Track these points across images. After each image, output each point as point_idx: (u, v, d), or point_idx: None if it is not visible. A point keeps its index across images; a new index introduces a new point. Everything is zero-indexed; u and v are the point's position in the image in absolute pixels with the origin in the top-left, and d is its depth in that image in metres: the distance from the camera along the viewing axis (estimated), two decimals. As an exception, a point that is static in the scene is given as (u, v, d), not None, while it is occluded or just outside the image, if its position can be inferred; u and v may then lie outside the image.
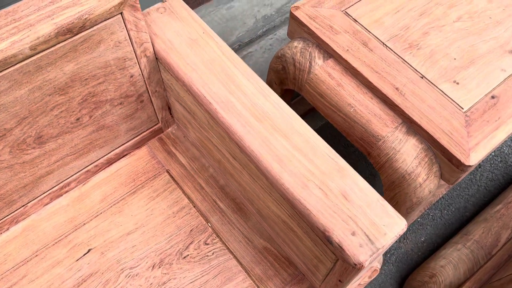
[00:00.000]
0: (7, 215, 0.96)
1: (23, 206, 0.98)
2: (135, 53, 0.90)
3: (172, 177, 1.07)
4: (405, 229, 0.73)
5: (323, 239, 0.73)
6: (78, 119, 0.91)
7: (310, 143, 0.80)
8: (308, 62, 1.05)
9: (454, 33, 1.04)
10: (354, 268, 0.71)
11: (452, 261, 1.06)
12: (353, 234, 0.71)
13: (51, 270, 0.95)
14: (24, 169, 0.90)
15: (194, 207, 1.03)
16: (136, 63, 0.91)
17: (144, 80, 0.96)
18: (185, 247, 0.98)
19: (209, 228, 1.01)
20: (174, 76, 0.90)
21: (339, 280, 0.79)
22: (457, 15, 1.08)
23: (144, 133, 1.09)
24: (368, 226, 0.72)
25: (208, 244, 0.99)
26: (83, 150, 0.99)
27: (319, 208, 0.73)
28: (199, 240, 0.99)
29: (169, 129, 1.14)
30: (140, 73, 0.94)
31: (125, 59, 0.89)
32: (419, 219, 1.42)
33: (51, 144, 0.91)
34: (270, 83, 1.22)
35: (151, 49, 0.92)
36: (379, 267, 0.98)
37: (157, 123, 1.10)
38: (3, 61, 0.72)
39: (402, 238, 1.42)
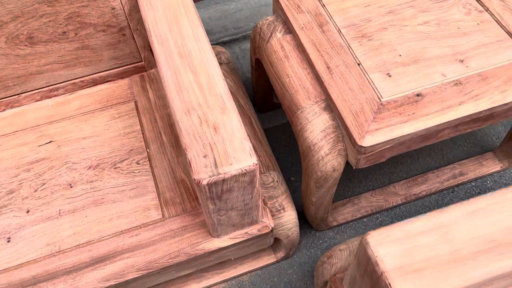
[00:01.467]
0: (3, 98, 1.22)
1: (17, 95, 1.22)
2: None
3: (136, 106, 1.24)
4: (253, 168, 0.80)
5: (186, 157, 0.83)
6: (64, 32, 1.13)
7: (212, 84, 0.90)
8: (270, 33, 1.15)
9: (412, 34, 1.06)
10: (197, 185, 0.80)
11: (350, 247, 1.07)
12: (205, 156, 0.80)
13: (18, 147, 1.17)
14: (17, 61, 1.14)
15: (142, 134, 1.19)
16: (118, -2, 1.10)
17: (126, 16, 1.15)
18: (120, 160, 1.14)
19: (146, 152, 1.16)
20: (141, 14, 1.07)
21: (213, 199, 0.88)
22: (425, 19, 1.08)
23: (127, 66, 1.28)
24: (220, 154, 0.81)
25: (139, 164, 1.14)
26: (70, 63, 1.20)
27: (188, 131, 0.84)
28: (133, 159, 1.15)
29: (152, 70, 1.31)
30: (122, 8, 1.13)
31: (110, -8, 1.08)
32: (365, 220, 1.39)
33: (41, 47, 1.13)
34: (251, 53, 1.33)
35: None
36: (272, 226, 1.04)
37: (141, 61, 1.28)
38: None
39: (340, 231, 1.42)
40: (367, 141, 0.91)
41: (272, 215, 1.10)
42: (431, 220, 0.73)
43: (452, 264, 0.68)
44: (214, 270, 1.24)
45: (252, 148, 0.82)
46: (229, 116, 0.85)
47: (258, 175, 0.84)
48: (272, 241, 1.12)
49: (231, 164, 0.79)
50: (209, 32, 1.72)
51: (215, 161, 0.80)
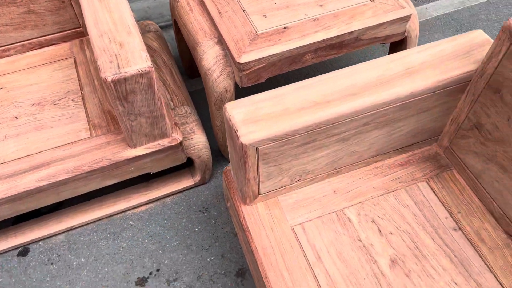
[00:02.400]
0: (-38, 56, 1.44)
1: (-26, 53, 1.45)
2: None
3: (75, 61, 1.48)
4: (148, 70, 1.04)
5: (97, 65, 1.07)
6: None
7: (122, 18, 1.15)
8: (180, -4, 1.42)
9: (287, -10, 1.35)
10: (105, 83, 1.03)
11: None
12: (111, 62, 1.05)
13: (-27, 94, 1.39)
14: (-27, 21, 1.38)
15: (78, 80, 1.42)
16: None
17: (63, -15, 1.41)
18: (58, 99, 1.37)
19: (80, 93, 1.39)
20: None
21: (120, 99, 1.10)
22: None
23: (69, 31, 1.52)
24: (123, 60, 1.05)
25: (74, 101, 1.37)
26: (18, 26, 1.44)
27: (99, 47, 1.08)
28: (69, 98, 1.37)
29: (90, 36, 1.56)
30: (59, -23, 1.39)
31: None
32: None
33: None
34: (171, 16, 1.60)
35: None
36: (180, 139, 1.27)
37: (79, 27, 1.53)
38: None
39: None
40: (243, 58, 1.16)
41: (185, 137, 1.33)
42: (270, 93, 0.98)
43: (282, 116, 0.93)
44: (141, 192, 1.45)
45: (148, 57, 1.07)
46: (132, 37, 1.10)
47: (154, 79, 1.08)
48: (185, 158, 1.34)
49: (130, 66, 1.04)
50: (147, 19, 1.99)
51: (118, 65, 1.04)
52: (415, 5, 2.08)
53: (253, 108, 0.95)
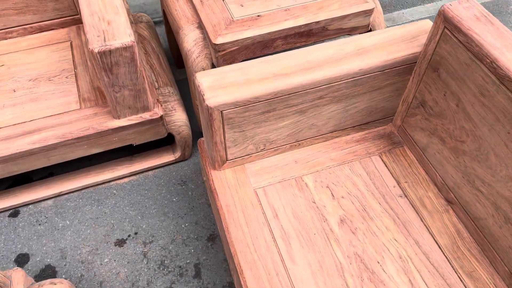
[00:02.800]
0: (-32, 35, 1.57)
1: (-21, 34, 1.58)
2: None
3: (71, 45, 1.61)
4: (131, 44, 1.16)
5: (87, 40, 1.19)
6: None
7: (112, 1, 1.28)
8: (168, -12, 1.55)
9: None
10: (92, 54, 1.16)
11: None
12: (98, 36, 1.17)
13: (-23, 69, 1.52)
14: (-20, 4, 1.51)
15: (73, 61, 1.55)
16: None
17: (63, -26, 1.54)
18: (53, 76, 1.49)
19: (74, 72, 1.51)
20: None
21: (106, 70, 1.23)
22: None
23: (67, 18, 1.65)
24: (109, 36, 1.17)
25: (67, 78, 1.49)
26: (21, 10, 1.57)
27: (90, 24, 1.20)
28: (63, 75, 1.49)
29: (87, 23, 1.69)
30: (60, -33, 1.53)
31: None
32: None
33: None
34: (161, 7, 1.73)
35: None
36: (161, 113, 1.39)
37: (77, 14, 1.66)
38: None
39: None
40: (219, 40, 1.28)
41: (166, 114, 1.45)
42: (236, 65, 1.10)
43: (245, 84, 1.04)
44: (125, 164, 1.56)
45: (132, 33, 1.19)
46: (119, 16, 1.23)
47: (137, 53, 1.20)
48: (165, 132, 1.46)
49: (115, 40, 1.16)
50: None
51: (104, 39, 1.16)
52: (393, 10, 2.22)
53: (220, 77, 1.07)
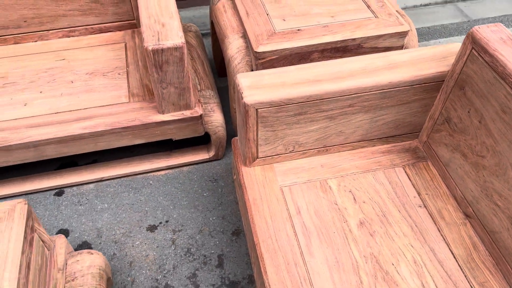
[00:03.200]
0: (38, 31, 1.74)
1: (47, 31, 1.75)
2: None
3: (125, 46, 1.75)
4: (181, 45, 1.28)
5: (143, 39, 1.32)
6: None
7: (167, 6, 1.41)
8: (218, 0, 1.68)
9: (304, 2, 1.57)
10: (146, 52, 1.28)
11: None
12: (153, 36, 1.29)
13: (42, 60, 1.67)
14: (52, 4, 1.67)
15: (126, 60, 1.68)
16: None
17: (126, -17, 1.70)
18: (108, 72, 1.63)
19: (126, 69, 1.64)
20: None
21: (156, 67, 1.35)
22: None
23: (124, 22, 1.81)
24: (162, 36, 1.29)
25: (119, 74, 1.62)
26: (85, 12, 1.73)
27: (147, 25, 1.33)
28: (116, 72, 1.63)
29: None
30: (124, -24, 1.68)
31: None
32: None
33: None
34: (209, 18, 1.86)
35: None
36: (201, 112, 1.49)
37: (133, 19, 1.81)
38: None
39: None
40: (260, 48, 1.38)
41: (205, 114, 1.55)
42: (274, 70, 1.19)
43: (280, 87, 1.13)
44: (163, 158, 1.66)
45: (183, 36, 1.31)
46: (173, 20, 1.35)
47: (186, 54, 1.32)
48: (203, 131, 1.56)
49: (167, 40, 1.28)
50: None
51: (158, 38, 1.28)
52: (430, 39, 2.27)
53: (258, 79, 1.16)
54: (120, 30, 1.82)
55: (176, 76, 1.37)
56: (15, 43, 1.73)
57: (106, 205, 1.52)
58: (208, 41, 2.26)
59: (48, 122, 1.43)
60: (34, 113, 1.47)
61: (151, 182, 1.60)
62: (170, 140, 1.69)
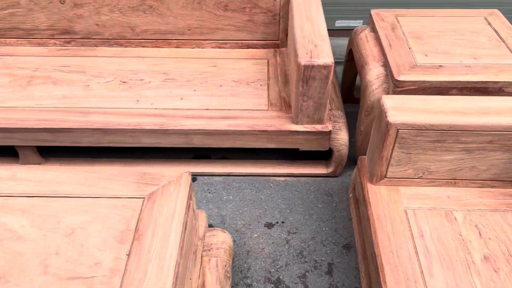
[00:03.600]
0: (195, 39, 2.00)
1: (203, 40, 2.00)
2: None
3: (268, 62, 1.93)
4: (330, 64, 1.40)
5: (296, 54, 1.47)
6: (244, 8, 1.89)
7: (320, 30, 1.55)
8: (361, 30, 1.79)
9: (447, 41, 1.61)
10: (298, 67, 1.42)
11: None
12: (306, 53, 1.43)
13: (197, 65, 1.92)
14: (213, 18, 1.92)
15: (267, 74, 1.86)
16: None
17: (280, 5, 1.89)
18: (251, 82, 1.81)
19: (267, 82, 1.82)
20: (288, 6, 1.80)
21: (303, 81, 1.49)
22: (459, 35, 1.64)
23: (270, 41, 2.00)
24: (314, 55, 1.43)
25: (261, 85, 1.80)
26: (239, 29, 1.96)
27: (301, 43, 1.48)
28: (258, 83, 1.81)
29: (284, 48, 2.02)
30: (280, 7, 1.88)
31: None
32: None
33: (229, 13, 1.90)
34: (347, 46, 1.98)
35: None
36: (330, 128, 1.59)
37: (277, 40, 2.00)
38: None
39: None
40: (401, 77, 1.46)
41: (332, 132, 1.65)
42: (419, 96, 1.25)
43: (424, 112, 1.19)
44: (285, 166, 1.78)
45: (332, 57, 1.43)
46: (324, 43, 1.49)
47: (332, 74, 1.44)
48: (328, 146, 1.65)
49: (319, 59, 1.41)
50: (322, 53, 2.43)
51: (311, 56, 1.42)
52: None
53: (402, 102, 1.23)
54: (264, 48, 2.01)
55: (318, 92, 1.49)
56: (176, 47, 2.01)
57: (231, 197, 1.68)
58: (339, 68, 2.39)
59: (199, 116, 1.64)
60: (188, 106, 1.69)
61: (271, 185, 1.73)
62: (293, 149, 1.82)
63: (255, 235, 1.54)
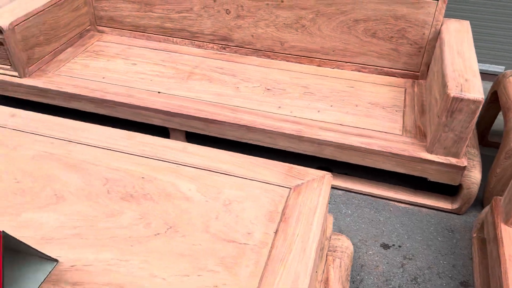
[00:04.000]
0: (338, 61, 2.12)
1: (345, 62, 2.11)
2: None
3: (405, 91, 1.98)
4: (480, 100, 1.41)
5: (446, 86, 1.50)
6: (391, 37, 1.97)
7: (471, 67, 1.57)
8: (509, 74, 1.75)
9: None
10: (447, 98, 1.45)
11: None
12: (456, 86, 1.46)
13: (335, 84, 2.04)
14: (357, 42, 2.03)
15: (404, 102, 1.90)
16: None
17: (427, 39, 1.93)
18: (387, 106, 1.87)
19: (403, 109, 1.86)
20: (437, 39, 1.84)
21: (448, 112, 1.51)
22: None
23: (409, 72, 2.04)
24: (464, 88, 1.45)
25: (396, 111, 1.84)
26: (382, 56, 2.03)
27: (451, 77, 1.51)
28: (394, 109, 1.86)
29: (422, 80, 2.05)
30: (428, 34, 1.92)
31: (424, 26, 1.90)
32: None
33: (375, 40, 2.00)
34: (490, 89, 1.94)
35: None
36: (465, 164, 1.57)
37: (418, 72, 2.03)
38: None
39: None
40: (554, 125, 1.41)
41: (466, 169, 1.63)
42: None
43: None
44: (407, 193, 1.80)
45: (483, 92, 1.44)
46: (476, 78, 1.50)
47: (478, 112, 1.45)
48: (458, 182, 1.64)
49: (469, 93, 1.43)
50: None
51: (461, 89, 1.45)
52: None
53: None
54: (403, 77, 2.07)
55: (461, 125, 1.51)
56: (318, 65, 2.15)
57: (349, 212, 1.74)
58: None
59: (334, 129, 1.74)
60: (324, 119, 1.81)
61: (391, 209, 1.76)
62: (415, 177, 1.82)
63: (370, 252, 1.58)
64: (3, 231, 0.85)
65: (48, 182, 1.22)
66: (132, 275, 1.00)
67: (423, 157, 1.62)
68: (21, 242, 0.92)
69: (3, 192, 1.19)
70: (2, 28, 1.91)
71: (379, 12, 1.95)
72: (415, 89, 1.99)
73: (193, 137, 2.03)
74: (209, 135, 1.88)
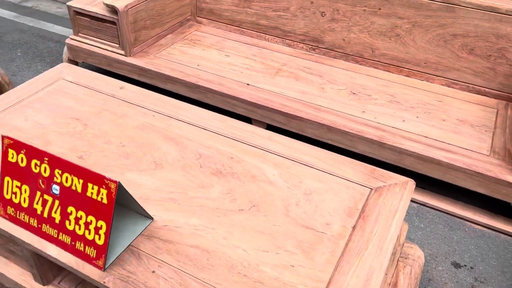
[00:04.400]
0: (428, 73, 2.09)
1: (436, 76, 2.07)
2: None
3: (497, 113, 1.90)
4: None
5: None
6: (489, 55, 1.90)
7: None
8: None
9: None
10: None
11: None
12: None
13: (423, 94, 2.01)
14: (452, 57, 1.98)
15: (495, 123, 1.83)
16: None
17: (529, 62, 1.84)
18: (475, 125, 1.81)
19: (493, 130, 1.79)
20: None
21: None
22: None
23: (503, 93, 1.95)
24: None
25: (486, 131, 1.78)
26: (476, 74, 1.97)
27: None
28: (483, 129, 1.79)
29: (516, 103, 1.95)
30: (531, 57, 1.83)
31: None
32: None
33: (471, 56, 1.94)
34: None
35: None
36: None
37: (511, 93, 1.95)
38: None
39: None
40: None
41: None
42: None
43: None
44: (486, 216, 1.73)
45: None
46: None
47: None
48: (546, 212, 1.55)
49: None
50: None
51: None
52: None
53: None
54: (496, 98, 1.99)
55: (558, 153, 1.43)
56: (406, 76, 2.13)
57: (422, 225, 1.71)
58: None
59: (418, 140, 1.73)
60: (409, 129, 1.79)
61: (466, 229, 1.70)
62: (494, 199, 1.75)
63: (440, 268, 1.55)
64: (119, 181, 0.97)
65: (149, 150, 1.35)
66: (217, 242, 1.08)
67: (510, 181, 1.55)
68: (130, 195, 1.03)
69: (111, 153, 1.34)
70: (118, 9, 2.11)
71: (480, 28, 1.89)
72: (508, 112, 1.90)
73: (273, 130, 2.10)
74: (289, 130, 1.94)
